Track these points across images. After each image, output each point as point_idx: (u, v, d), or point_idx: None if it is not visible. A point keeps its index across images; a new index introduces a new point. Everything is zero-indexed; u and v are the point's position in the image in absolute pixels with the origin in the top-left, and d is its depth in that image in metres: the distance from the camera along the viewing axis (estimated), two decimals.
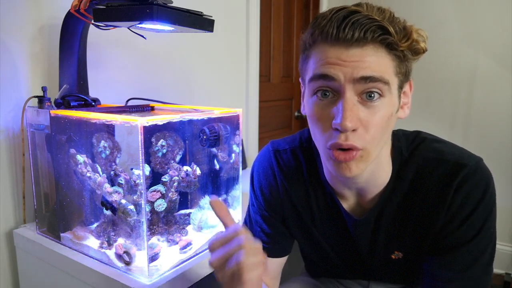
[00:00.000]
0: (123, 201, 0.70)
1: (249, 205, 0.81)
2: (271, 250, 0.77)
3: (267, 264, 0.78)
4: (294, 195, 0.74)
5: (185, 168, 0.81)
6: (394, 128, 0.71)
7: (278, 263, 0.80)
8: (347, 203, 0.70)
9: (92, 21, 0.73)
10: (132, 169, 0.71)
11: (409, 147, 0.66)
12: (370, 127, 0.54)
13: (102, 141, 0.75)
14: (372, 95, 0.53)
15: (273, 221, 0.76)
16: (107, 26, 0.75)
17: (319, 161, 0.71)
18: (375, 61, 0.52)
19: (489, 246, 0.61)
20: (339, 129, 0.53)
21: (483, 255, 0.60)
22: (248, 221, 0.81)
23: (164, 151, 0.79)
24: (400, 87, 0.58)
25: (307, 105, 0.60)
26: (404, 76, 0.58)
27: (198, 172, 0.83)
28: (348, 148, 0.55)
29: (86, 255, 0.75)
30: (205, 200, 0.87)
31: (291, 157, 0.74)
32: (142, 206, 0.67)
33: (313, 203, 0.73)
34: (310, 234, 0.76)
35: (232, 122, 0.86)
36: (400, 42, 0.53)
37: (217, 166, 0.89)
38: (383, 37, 0.52)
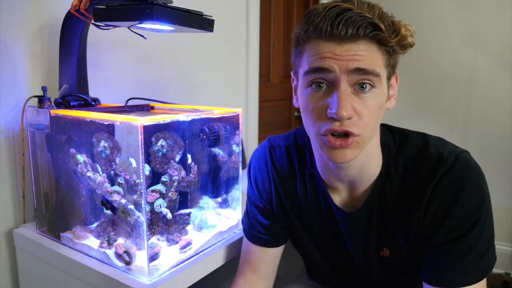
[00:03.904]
0: (123, 201, 0.70)
1: (247, 198, 0.84)
2: (267, 241, 0.79)
3: (263, 258, 0.79)
4: (283, 192, 0.76)
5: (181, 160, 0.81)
6: (391, 124, 0.72)
7: (274, 255, 0.81)
8: (340, 196, 0.70)
9: (92, 21, 0.73)
10: (128, 157, 0.71)
11: (396, 142, 0.68)
12: (364, 115, 0.57)
13: (102, 141, 0.75)
14: (364, 85, 0.56)
15: (268, 213, 0.79)
16: (107, 26, 0.75)
17: (312, 157, 0.72)
18: (367, 55, 0.55)
19: (483, 235, 0.61)
20: (334, 118, 0.55)
21: (476, 244, 0.60)
22: (246, 213, 0.83)
23: (164, 151, 0.79)
24: (388, 78, 0.60)
25: (301, 97, 0.62)
26: (392, 68, 0.60)
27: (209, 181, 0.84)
28: (344, 134, 0.57)
29: (86, 254, 0.75)
30: (205, 200, 0.87)
31: (285, 153, 0.76)
32: (142, 205, 0.67)
33: (302, 201, 0.74)
34: (296, 233, 0.78)
35: (232, 122, 0.86)
36: (390, 38, 0.55)
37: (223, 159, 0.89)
38: (375, 33, 0.54)
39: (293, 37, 0.62)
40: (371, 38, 0.54)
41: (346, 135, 0.57)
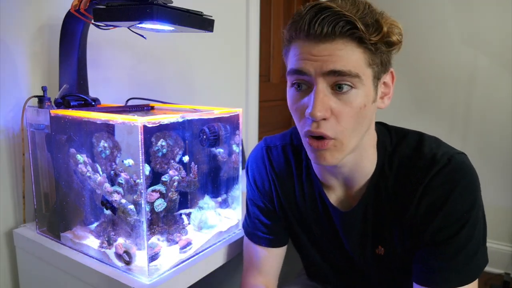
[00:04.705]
0: (123, 201, 0.70)
1: (247, 199, 0.83)
2: (272, 240, 0.78)
3: (269, 258, 0.78)
4: (282, 193, 0.76)
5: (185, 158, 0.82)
6: (391, 123, 0.72)
7: (280, 255, 0.81)
8: (336, 195, 0.71)
9: (92, 21, 0.73)
10: (123, 161, 0.71)
11: (392, 142, 0.68)
12: (342, 117, 0.56)
13: (102, 141, 0.75)
14: (342, 86, 0.55)
15: (270, 212, 0.79)
16: (107, 26, 0.75)
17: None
18: (344, 55, 0.54)
19: (474, 237, 0.61)
20: (310, 118, 0.56)
21: (467, 245, 0.60)
22: (247, 215, 0.83)
23: (164, 151, 0.79)
24: (377, 78, 0.59)
25: (288, 96, 0.63)
26: (381, 67, 0.59)
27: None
28: (320, 137, 0.58)
29: (86, 254, 0.75)
30: (205, 200, 0.87)
31: (281, 153, 0.77)
32: (142, 205, 0.67)
33: (300, 201, 0.74)
34: (296, 233, 0.78)
35: (232, 122, 0.86)
36: (370, 36, 0.54)
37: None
38: (352, 31, 0.53)
39: (282, 37, 0.63)
40: (348, 36, 0.54)
41: (322, 137, 0.58)
